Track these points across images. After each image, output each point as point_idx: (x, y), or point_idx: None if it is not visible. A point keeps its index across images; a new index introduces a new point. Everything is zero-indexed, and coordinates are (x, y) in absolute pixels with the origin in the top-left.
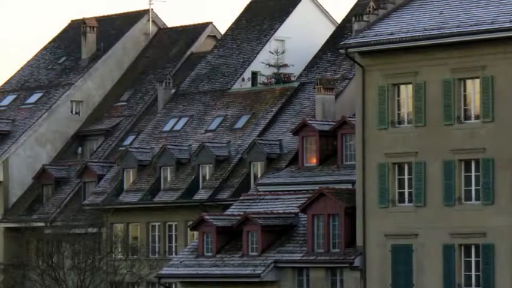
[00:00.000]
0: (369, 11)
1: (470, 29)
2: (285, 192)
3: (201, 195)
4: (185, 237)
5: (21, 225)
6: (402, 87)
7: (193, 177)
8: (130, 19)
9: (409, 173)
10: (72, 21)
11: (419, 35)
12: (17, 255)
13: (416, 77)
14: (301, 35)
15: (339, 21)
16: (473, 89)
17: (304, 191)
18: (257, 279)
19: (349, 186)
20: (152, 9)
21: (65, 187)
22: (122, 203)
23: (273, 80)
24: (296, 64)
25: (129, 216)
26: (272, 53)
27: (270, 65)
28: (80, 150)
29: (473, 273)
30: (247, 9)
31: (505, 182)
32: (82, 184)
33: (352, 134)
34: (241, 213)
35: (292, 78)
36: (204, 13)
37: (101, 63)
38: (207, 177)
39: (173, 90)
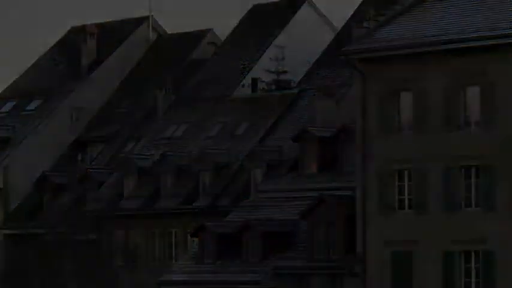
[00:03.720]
0: (369, 17)
1: (470, 35)
2: (285, 199)
3: (201, 202)
4: (185, 244)
5: (21, 232)
6: (402, 93)
7: (193, 184)
8: (130, 26)
9: (409, 180)
10: (72, 27)
11: (419, 42)
12: (17, 262)
13: (417, 84)
14: (302, 41)
15: (339, 27)
16: (474, 95)
17: (304, 198)
18: (257, 286)
19: (349, 192)
20: (152, 16)
21: (65, 194)
22: (122, 209)
23: (273, 86)
24: (296, 71)
25: (129, 223)
26: (272, 60)
27: (270, 72)
28: (80, 156)
29: (473, 279)
30: (248, 15)
31: (506, 189)
32: (82, 191)
33: (352, 141)
34: (241, 220)
35: (293, 85)
36: (204, 20)
37: (101, 70)
38: (207, 184)
39: (173, 97)
